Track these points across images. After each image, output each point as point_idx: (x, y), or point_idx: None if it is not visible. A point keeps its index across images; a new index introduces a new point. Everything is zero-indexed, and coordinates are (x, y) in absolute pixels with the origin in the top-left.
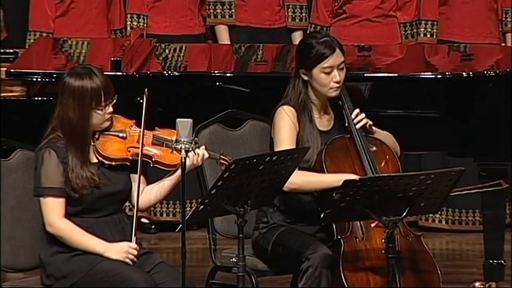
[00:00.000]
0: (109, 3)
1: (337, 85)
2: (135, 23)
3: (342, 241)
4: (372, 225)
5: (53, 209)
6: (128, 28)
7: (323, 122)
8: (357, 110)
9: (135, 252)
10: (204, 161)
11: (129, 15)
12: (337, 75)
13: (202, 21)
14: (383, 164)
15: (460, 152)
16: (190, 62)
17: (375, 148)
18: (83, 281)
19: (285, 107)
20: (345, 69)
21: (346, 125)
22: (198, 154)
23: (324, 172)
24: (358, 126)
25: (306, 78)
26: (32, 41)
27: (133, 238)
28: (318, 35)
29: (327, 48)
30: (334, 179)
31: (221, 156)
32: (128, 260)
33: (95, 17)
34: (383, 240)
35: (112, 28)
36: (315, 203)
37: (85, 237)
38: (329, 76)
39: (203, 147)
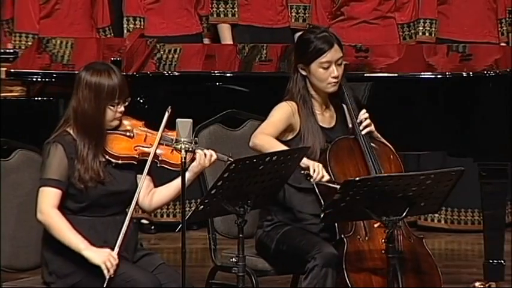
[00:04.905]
0: (93, 3)
1: (335, 80)
2: (131, 26)
3: (345, 240)
4: (375, 225)
5: (47, 198)
6: (125, 31)
7: (325, 118)
8: (364, 115)
9: (114, 262)
10: (212, 163)
11: (125, 18)
12: (335, 71)
13: (198, 20)
14: (387, 165)
15: (460, 152)
16: (190, 62)
17: (380, 150)
18: (85, 280)
19: (288, 101)
20: (343, 65)
21: (350, 125)
22: (205, 155)
23: (328, 172)
24: (364, 132)
25: (304, 73)
26: (17, 42)
27: (117, 248)
28: (317, 30)
29: (325, 43)
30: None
31: (229, 158)
32: (103, 266)
33: (80, 18)
34: (383, 240)
35: (97, 27)
36: (318, 202)
37: (69, 231)
38: (327, 71)
39: (213, 151)
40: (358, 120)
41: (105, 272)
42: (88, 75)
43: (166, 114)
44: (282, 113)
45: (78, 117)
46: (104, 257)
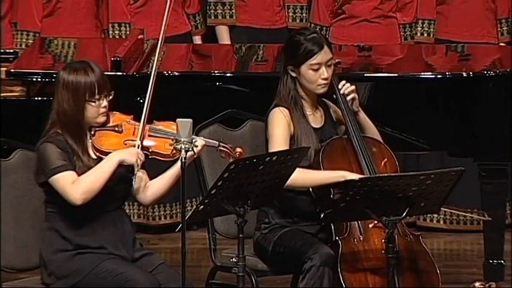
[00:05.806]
0: (98, 4)
1: (325, 82)
2: (116, 32)
3: (340, 242)
4: (370, 225)
5: (65, 181)
6: (110, 37)
7: (316, 118)
8: (344, 82)
9: (142, 158)
10: (202, 149)
11: (110, 25)
12: (325, 72)
13: (186, 19)
14: (381, 164)
15: (460, 152)
16: (191, 62)
17: (374, 149)
18: (85, 280)
19: (279, 107)
20: (333, 66)
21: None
22: None
23: None
24: (348, 98)
25: (293, 74)
26: (19, 40)
27: (138, 141)
28: (306, 32)
29: (315, 45)
30: (330, 176)
31: (220, 144)
32: (137, 164)
33: (83, 17)
34: (383, 240)
35: (102, 27)
36: (314, 204)
37: (96, 168)
38: (317, 73)
39: (201, 137)
40: (341, 91)
41: (136, 169)
42: (65, 74)
43: (168, 2)
44: (282, 128)
45: (60, 117)
46: (135, 156)
